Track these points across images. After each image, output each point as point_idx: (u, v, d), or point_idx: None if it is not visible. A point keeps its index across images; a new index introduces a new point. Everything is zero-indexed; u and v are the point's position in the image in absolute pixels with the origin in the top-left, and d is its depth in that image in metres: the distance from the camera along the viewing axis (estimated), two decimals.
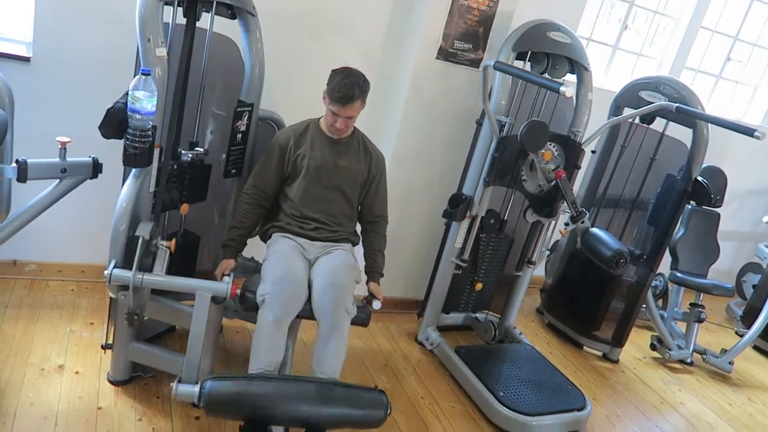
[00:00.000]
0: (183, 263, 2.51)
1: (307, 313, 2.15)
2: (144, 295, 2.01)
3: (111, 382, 2.30)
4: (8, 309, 2.58)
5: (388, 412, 1.99)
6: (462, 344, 3.09)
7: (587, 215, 2.95)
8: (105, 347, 2.36)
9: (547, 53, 2.82)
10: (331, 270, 2.23)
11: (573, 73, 2.95)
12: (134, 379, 2.34)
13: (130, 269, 1.92)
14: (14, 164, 2.00)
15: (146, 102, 1.87)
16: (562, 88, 2.08)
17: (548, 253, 3.65)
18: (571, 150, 2.89)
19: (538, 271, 3.80)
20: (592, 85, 2.96)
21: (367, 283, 2.45)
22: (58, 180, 2.14)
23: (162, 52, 1.95)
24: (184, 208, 2.33)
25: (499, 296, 3.33)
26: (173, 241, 2.04)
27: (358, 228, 2.56)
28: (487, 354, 3.02)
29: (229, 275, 2.19)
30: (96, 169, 2.19)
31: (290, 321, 2.10)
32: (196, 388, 1.90)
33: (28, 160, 2.00)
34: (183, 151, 2.27)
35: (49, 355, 2.37)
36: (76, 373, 2.31)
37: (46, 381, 2.24)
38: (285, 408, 1.90)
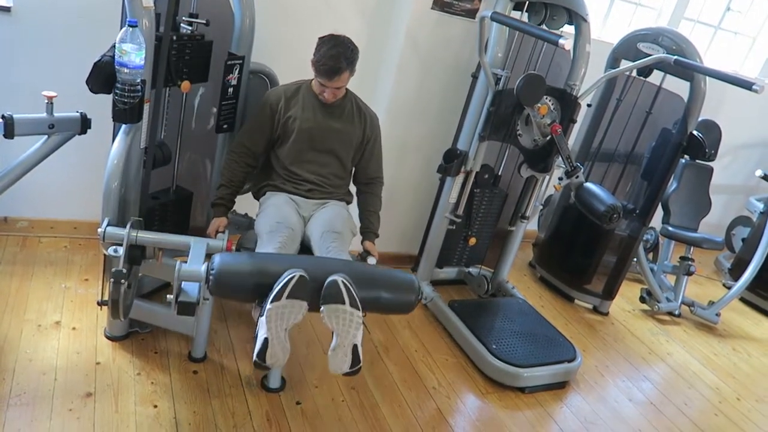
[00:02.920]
0: (177, 219, 2.50)
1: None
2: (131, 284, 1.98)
3: (108, 338, 2.32)
4: (1, 266, 2.57)
5: (420, 296, 1.81)
6: (455, 298, 3.13)
7: (582, 170, 2.94)
8: (101, 304, 2.36)
9: (545, 3, 2.74)
10: (327, 220, 2.23)
11: (571, 24, 2.89)
12: (131, 334, 2.36)
13: (124, 226, 1.90)
14: (0, 120, 1.94)
15: (134, 55, 1.82)
16: (561, 41, 2.03)
17: (541, 207, 3.67)
18: (567, 104, 2.86)
19: (531, 225, 3.82)
20: (590, 36, 2.90)
21: (362, 242, 2.45)
22: (46, 136, 2.09)
23: (149, 2, 1.88)
24: (185, 85, 2.21)
25: (493, 251, 3.36)
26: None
27: (352, 188, 2.54)
28: (480, 308, 3.06)
29: (223, 232, 2.18)
30: (85, 124, 2.14)
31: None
32: (204, 265, 1.71)
33: (14, 116, 1.95)
34: (183, 22, 2.15)
35: (45, 311, 2.38)
36: (73, 329, 2.33)
37: (44, 337, 2.25)
38: (312, 277, 1.64)
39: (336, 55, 2.16)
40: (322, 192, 2.36)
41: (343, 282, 1.64)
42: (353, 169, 2.50)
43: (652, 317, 3.66)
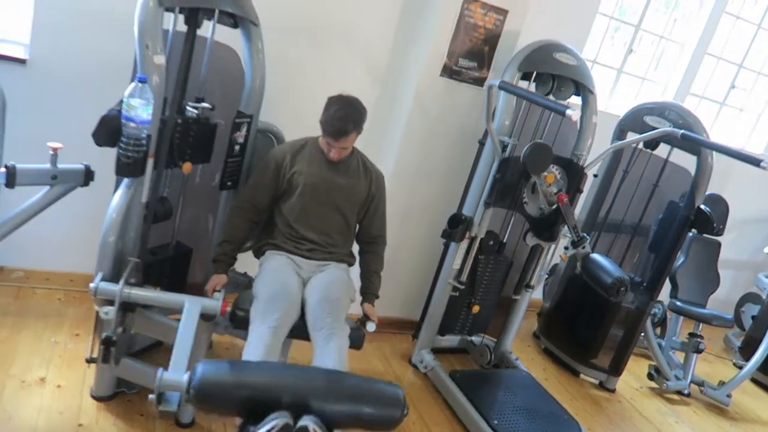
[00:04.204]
0: (174, 276, 2.45)
1: (298, 331, 2.08)
2: (126, 328, 1.92)
3: (94, 398, 2.22)
4: None
5: (405, 411, 1.68)
6: (457, 368, 3.02)
7: (588, 240, 2.90)
8: (89, 361, 2.26)
9: (553, 75, 2.78)
10: (324, 286, 2.17)
11: (578, 96, 2.92)
12: (118, 395, 2.26)
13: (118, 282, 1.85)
14: (3, 169, 1.93)
15: (141, 110, 1.82)
16: (568, 112, 2.03)
17: (547, 276, 3.60)
18: (574, 173, 2.85)
19: (536, 294, 3.75)
20: (597, 108, 2.92)
21: (361, 304, 2.39)
22: (48, 186, 2.07)
23: (160, 59, 1.90)
24: (187, 166, 2.20)
25: (496, 319, 3.27)
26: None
27: (355, 249, 2.50)
28: (482, 379, 2.95)
29: (220, 291, 2.13)
30: (88, 176, 2.13)
31: (285, 333, 2.02)
32: (185, 375, 1.60)
33: (17, 165, 1.94)
34: (189, 105, 2.17)
35: (31, 366, 2.30)
36: (58, 386, 2.24)
37: (27, 394, 2.16)
38: (290, 396, 1.59)
39: (344, 116, 2.17)
40: (324, 252, 2.32)
41: (314, 429, 1.53)
42: (357, 227, 2.46)
43: (660, 396, 3.52)
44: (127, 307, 1.89)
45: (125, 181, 1.96)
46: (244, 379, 1.61)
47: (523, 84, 2.80)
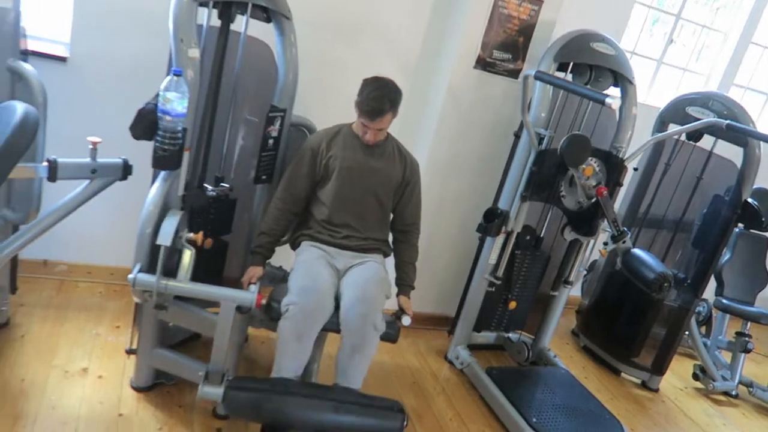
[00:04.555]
0: (210, 269, 2.47)
1: (333, 326, 2.07)
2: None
3: (134, 389, 2.26)
4: (37, 309, 2.57)
5: (405, 423, 1.94)
6: (493, 365, 2.98)
7: (629, 235, 2.82)
8: (129, 352, 2.33)
9: (590, 65, 2.71)
10: (361, 283, 2.16)
11: (616, 87, 2.84)
12: (157, 386, 2.29)
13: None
14: (45, 163, 1.98)
15: (177, 103, 1.84)
16: (607, 100, 1.97)
17: (585, 272, 3.52)
18: (613, 166, 2.77)
19: (575, 291, 3.67)
20: (637, 99, 2.84)
21: (397, 296, 2.37)
22: (88, 180, 2.11)
23: (195, 53, 1.92)
24: (207, 242, 2.24)
25: (534, 316, 3.20)
26: (200, 234, 1.98)
27: (391, 238, 2.48)
28: (519, 376, 2.89)
29: (255, 284, 2.14)
30: (126, 170, 2.16)
31: (314, 335, 2.03)
32: (221, 391, 1.93)
33: (58, 160, 1.98)
34: (209, 187, 2.28)
35: (74, 357, 2.35)
36: (99, 377, 2.28)
37: (69, 384, 2.21)
38: (299, 415, 1.91)
39: (379, 96, 2.16)
40: (359, 239, 2.31)
41: None
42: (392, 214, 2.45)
43: (706, 397, 3.40)
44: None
45: (162, 174, 1.98)
46: (263, 401, 1.92)
47: (560, 75, 2.73)
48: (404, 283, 2.38)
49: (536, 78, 2.37)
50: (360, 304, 2.07)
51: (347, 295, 2.12)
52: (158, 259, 1.84)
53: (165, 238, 1.83)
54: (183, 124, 1.91)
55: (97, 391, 2.21)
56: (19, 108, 1.82)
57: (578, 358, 3.46)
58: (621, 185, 2.83)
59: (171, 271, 1.96)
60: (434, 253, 3.14)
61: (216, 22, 2.12)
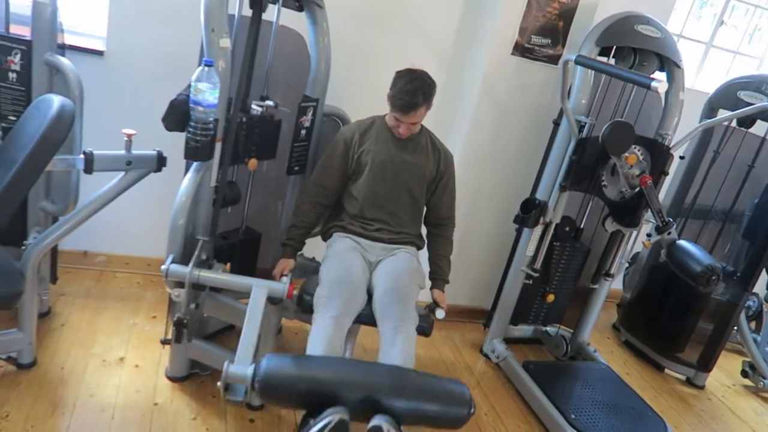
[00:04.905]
0: (244, 260, 2.47)
1: (366, 318, 2.04)
2: (198, 304, 1.96)
3: (169, 378, 2.28)
4: (77, 299, 2.62)
5: (472, 410, 1.69)
6: (530, 359, 2.91)
7: (674, 226, 2.70)
8: (164, 342, 2.35)
9: (634, 48, 2.59)
10: (393, 274, 2.12)
11: (662, 71, 2.71)
12: (191, 376, 2.31)
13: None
14: (81, 155, 2.00)
15: (208, 94, 1.83)
16: (654, 84, 1.87)
17: (627, 265, 3.41)
18: (658, 154, 2.65)
19: (616, 284, 3.56)
20: (684, 84, 2.71)
21: (430, 289, 2.32)
22: (124, 172, 2.13)
23: (226, 43, 1.91)
24: (252, 163, 2.23)
25: (573, 309, 3.11)
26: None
27: (424, 231, 2.44)
28: (557, 371, 2.81)
29: (287, 275, 2.13)
30: (160, 162, 2.17)
31: (349, 323, 1.99)
32: (250, 369, 1.65)
33: (94, 152, 2.00)
34: (254, 104, 2.18)
35: (112, 346, 2.39)
36: (136, 366, 2.31)
37: (107, 373, 2.24)
38: (352, 391, 1.62)
39: (413, 90, 2.10)
40: (392, 232, 2.27)
41: (388, 430, 1.55)
42: (425, 208, 2.40)
43: (756, 395, 3.25)
44: (198, 286, 1.91)
45: (194, 165, 1.98)
46: (308, 375, 1.67)
47: (602, 61, 2.62)
48: (438, 276, 2.34)
49: (577, 63, 2.27)
50: (393, 293, 2.04)
51: (379, 286, 2.08)
52: (194, 251, 1.84)
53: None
54: (214, 115, 1.89)
55: (133, 379, 2.24)
56: (56, 101, 1.84)
57: (619, 353, 3.36)
58: (667, 174, 2.71)
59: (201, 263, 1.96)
60: (470, 245, 3.08)
61: (248, 12, 2.10)
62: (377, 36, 2.80)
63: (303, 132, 2.35)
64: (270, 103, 2.21)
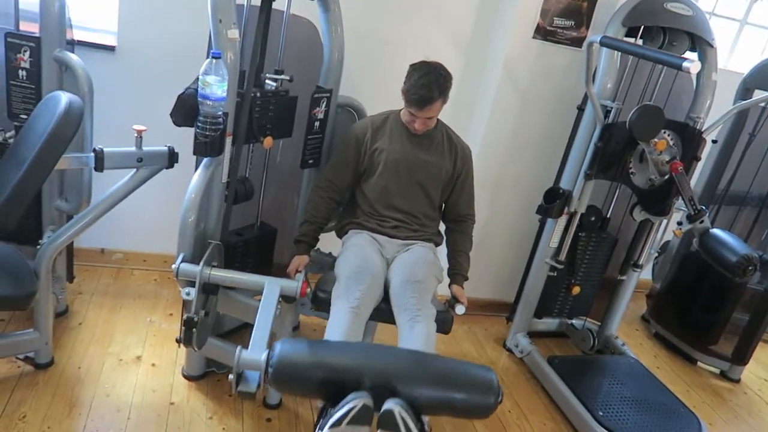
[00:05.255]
0: (260, 256, 2.43)
1: (384, 314, 1.98)
2: (208, 312, 1.90)
3: (185, 377, 2.26)
4: (94, 297, 2.61)
5: (500, 398, 1.54)
6: (555, 353, 2.82)
7: (707, 213, 2.58)
8: (179, 341, 2.31)
9: (663, 28, 2.46)
10: (409, 266, 2.05)
11: (693, 51, 2.58)
12: (208, 374, 2.28)
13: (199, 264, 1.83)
14: (92, 153, 1.97)
15: (216, 87, 1.77)
16: (685, 64, 1.76)
17: (657, 254, 3.28)
18: (690, 139, 2.53)
19: (645, 274, 3.44)
20: (717, 64, 2.57)
21: (449, 285, 2.25)
22: (135, 169, 2.09)
23: (234, 34, 1.84)
24: (268, 141, 2.14)
25: (599, 302, 3.01)
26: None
27: (442, 227, 2.36)
28: (584, 366, 2.72)
29: (301, 272, 2.07)
30: (172, 158, 2.12)
31: (368, 315, 1.92)
32: (264, 354, 1.53)
33: (104, 149, 1.97)
34: (268, 78, 2.11)
35: (129, 345, 2.37)
36: (153, 365, 2.29)
37: (123, 372, 2.22)
38: (373, 378, 1.49)
39: (428, 83, 2.02)
40: (408, 229, 2.20)
41: (400, 414, 1.42)
42: (443, 205, 2.32)
43: None
44: (209, 290, 1.86)
45: (204, 161, 1.93)
46: (325, 359, 1.54)
47: (630, 42, 2.50)
48: (457, 272, 2.25)
49: (602, 44, 2.16)
50: (410, 285, 1.96)
51: (396, 277, 2.01)
52: (207, 252, 1.79)
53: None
54: (223, 109, 1.84)
55: (150, 378, 2.22)
56: (63, 98, 1.80)
57: (649, 345, 3.25)
58: (699, 159, 2.59)
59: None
60: (492, 236, 2.99)
61: (257, 2, 2.03)
62: (393, 22, 2.71)
63: (317, 124, 2.29)
64: (285, 77, 2.14)
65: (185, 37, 2.48)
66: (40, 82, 2.06)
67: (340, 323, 1.83)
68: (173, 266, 1.84)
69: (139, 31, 2.50)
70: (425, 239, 2.22)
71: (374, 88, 2.56)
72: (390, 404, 1.45)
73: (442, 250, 2.33)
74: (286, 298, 1.91)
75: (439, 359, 1.66)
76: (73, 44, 2.19)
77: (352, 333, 1.84)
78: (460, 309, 2.13)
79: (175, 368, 2.29)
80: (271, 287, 1.78)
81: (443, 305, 2.12)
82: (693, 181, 3.03)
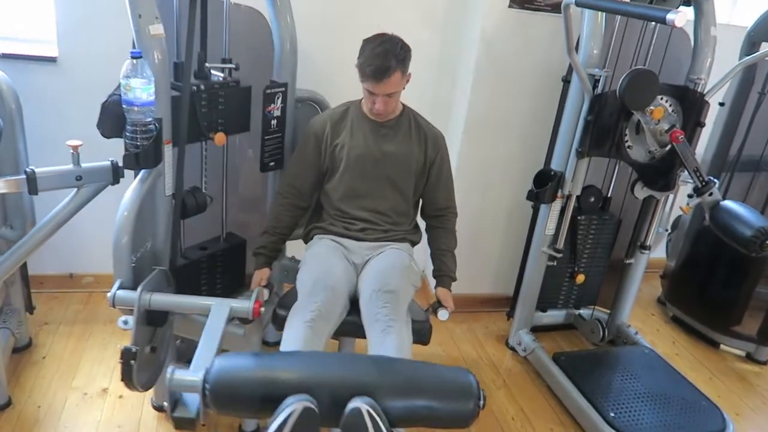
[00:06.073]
0: (229, 270, 2.24)
1: (352, 328, 1.77)
2: (155, 348, 1.72)
3: (155, 408, 2.08)
4: (61, 326, 2.45)
5: (481, 403, 1.33)
6: (564, 348, 2.60)
7: (716, 185, 2.32)
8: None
9: None
10: (380, 273, 1.84)
11: (688, 5, 2.32)
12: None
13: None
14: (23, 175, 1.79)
15: (140, 91, 1.58)
16: (669, 16, 1.52)
17: (668, 232, 3.04)
18: (691, 103, 2.28)
19: (659, 252, 3.20)
20: (716, 17, 2.31)
21: (434, 288, 2.04)
22: (76, 189, 1.91)
23: (158, 29, 1.65)
24: (219, 137, 1.95)
25: (608, 288, 2.77)
26: None
27: (421, 223, 2.15)
28: (593, 361, 2.49)
29: (266, 286, 1.89)
30: (117, 173, 1.93)
31: (328, 331, 1.71)
32: (200, 372, 1.31)
33: (36, 170, 1.78)
34: (213, 70, 1.94)
35: (95, 376, 2.20)
36: (120, 397, 2.12)
37: (87, 407, 2.06)
38: (327, 390, 1.29)
39: (383, 52, 1.80)
40: (378, 230, 1.99)
41: (368, 411, 1.22)
42: (419, 201, 2.11)
43: None
44: (155, 320, 1.68)
45: (141, 173, 1.74)
46: (271, 372, 1.34)
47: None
48: (442, 273, 2.04)
49: (577, 4, 1.91)
50: (380, 294, 1.75)
51: (366, 288, 1.80)
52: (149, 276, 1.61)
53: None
54: (153, 113, 1.64)
55: (116, 413, 2.05)
56: None
57: (666, 331, 3.00)
58: (703, 125, 2.33)
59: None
60: (485, 227, 2.77)
61: None
62: (360, 7, 2.49)
63: (274, 122, 2.09)
64: (232, 65, 1.96)
65: (130, 44, 2.29)
66: None
67: (294, 340, 1.63)
68: (108, 295, 1.66)
69: (82, 39, 2.31)
70: (398, 239, 2.01)
71: (343, 78, 2.33)
72: (357, 402, 1.25)
73: (424, 248, 2.12)
74: (242, 320, 1.72)
75: (407, 364, 1.47)
76: None
77: (308, 349, 1.64)
78: (443, 314, 1.92)
79: (145, 399, 2.12)
80: (219, 309, 1.59)
81: (423, 313, 1.92)
82: (700, 149, 2.79)
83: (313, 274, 1.80)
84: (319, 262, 1.86)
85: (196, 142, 1.96)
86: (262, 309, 1.65)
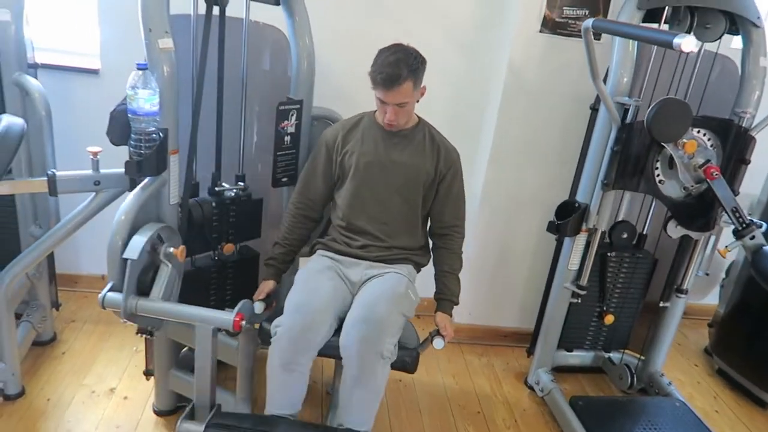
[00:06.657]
0: (241, 282, 2.27)
1: (332, 351, 1.74)
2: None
3: (155, 413, 2.12)
4: (86, 325, 2.56)
5: None
6: (588, 393, 2.44)
7: (761, 227, 2.13)
8: (147, 374, 2.19)
9: (691, 7, 2.08)
10: (369, 300, 1.79)
11: (735, 34, 2.17)
12: (179, 410, 2.13)
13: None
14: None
15: (144, 101, 1.64)
16: (675, 40, 1.42)
17: (724, 278, 2.82)
18: (735, 139, 2.11)
19: (711, 299, 2.98)
20: (767, 48, 2.14)
21: (434, 312, 1.97)
22: (94, 193, 2.00)
23: (167, 43, 1.71)
24: (228, 248, 2.13)
25: (642, 331, 2.58)
26: (181, 248, 1.76)
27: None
28: (615, 409, 2.32)
29: (265, 299, 1.90)
30: (133, 180, 2.02)
31: (307, 363, 1.71)
32: (201, 427, 1.61)
33: (57, 173, 1.89)
34: (226, 186, 2.09)
35: (106, 376, 2.28)
36: (125, 398, 2.18)
37: (93, 405, 2.12)
38: None
39: (395, 61, 1.78)
40: (381, 248, 1.95)
41: None
42: (428, 217, 2.07)
43: None
44: (142, 329, 1.72)
45: (145, 181, 1.80)
46: None
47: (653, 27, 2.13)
48: (444, 297, 1.98)
49: (594, 28, 1.82)
50: (363, 324, 1.71)
51: (351, 314, 1.77)
52: (125, 275, 1.64)
53: (132, 252, 1.63)
54: (157, 123, 1.70)
55: (117, 413, 2.10)
56: (2, 122, 1.76)
57: (708, 384, 2.75)
58: (747, 163, 2.15)
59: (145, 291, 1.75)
60: (512, 259, 2.66)
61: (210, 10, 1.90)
62: (382, 23, 2.47)
63: (287, 139, 2.11)
64: (241, 184, 2.11)
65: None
66: (4, 107, 2.03)
67: (275, 381, 1.76)
68: (99, 296, 1.71)
69: (122, 54, 2.43)
70: (401, 259, 1.97)
71: (359, 97, 2.33)
72: None
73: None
74: (228, 333, 1.73)
75: None
76: (35, 67, 2.15)
77: (289, 388, 1.77)
78: (438, 343, 1.85)
79: (148, 402, 2.16)
80: (203, 328, 1.60)
81: (417, 340, 1.85)
82: (755, 190, 2.58)
83: (298, 296, 1.79)
84: (306, 283, 1.85)
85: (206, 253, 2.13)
86: (244, 323, 1.65)
